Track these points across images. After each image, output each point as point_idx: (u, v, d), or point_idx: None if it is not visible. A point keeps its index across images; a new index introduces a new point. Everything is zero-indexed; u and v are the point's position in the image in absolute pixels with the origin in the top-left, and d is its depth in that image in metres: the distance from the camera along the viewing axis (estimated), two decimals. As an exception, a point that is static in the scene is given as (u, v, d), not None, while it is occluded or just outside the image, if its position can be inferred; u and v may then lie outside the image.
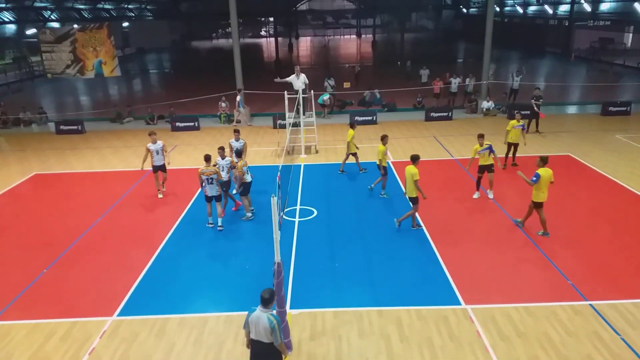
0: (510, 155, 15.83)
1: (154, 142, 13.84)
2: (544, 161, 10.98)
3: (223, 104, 23.58)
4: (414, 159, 11.46)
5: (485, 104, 23.61)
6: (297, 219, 12.55)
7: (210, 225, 12.22)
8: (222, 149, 12.72)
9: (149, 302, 9.24)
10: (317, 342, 7.96)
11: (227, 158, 12.61)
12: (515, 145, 15.63)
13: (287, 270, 9.99)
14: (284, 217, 12.53)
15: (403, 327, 8.27)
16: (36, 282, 10.01)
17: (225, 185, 12.53)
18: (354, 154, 15.72)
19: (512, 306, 8.72)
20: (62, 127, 22.67)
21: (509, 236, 11.29)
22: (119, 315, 8.85)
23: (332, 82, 25.87)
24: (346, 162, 15.99)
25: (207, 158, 11.88)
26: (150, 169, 14.15)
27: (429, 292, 9.25)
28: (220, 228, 12.06)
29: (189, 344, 8.02)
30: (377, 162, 13.85)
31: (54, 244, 11.57)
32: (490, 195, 13.50)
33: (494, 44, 24.13)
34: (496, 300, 8.93)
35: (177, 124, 22.45)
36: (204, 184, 11.78)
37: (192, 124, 22.39)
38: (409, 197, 11.58)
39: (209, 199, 11.99)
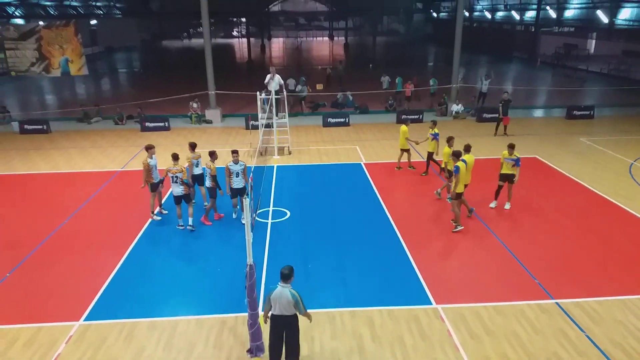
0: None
1: (151, 156, 12.33)
2: (457, 155, 11.51)
3: (194, 104, 23.30)
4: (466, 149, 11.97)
5: (455, 107, 24.01)
6: (269, 221, 12.49)
7: (181, 227, 12.01)
8: (236, 152, 11.94)
9: (118, 305, 9.04)
10: (289, 344, 7.92)
11: (240, 162, 11.94)
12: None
13: (260, 272, 9.92)
14: (257, 218, 12.46)
15: (375, 327, 8.33)
16: (-2, 286, 9.68)
17: (242, 192, 12.01)
18: (407, 151, 15.98)
19: (481, 305, 8.88)
20: (26, 126, 21.97)
21: (478, 237, 11.50)
22: (85, 319, 8.63)
23: (301, 84, 25.82)
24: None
25: (175, 156, 11.73)
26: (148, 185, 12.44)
27: (400, 292, 9.33)
28: (192, 228, 11.91)
29: (159, 348, 7.88)
30: (442, 165, 14.08)
31: (18, 247, 11.20)
32: (507, 207, 12.97)
33: (464, 48, 24.58)
34: (466, 299, 9.08)
35: (147, 124, 22.06)
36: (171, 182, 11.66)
37: (162, 124, 22.03)
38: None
39: (177, 200, 11.80)
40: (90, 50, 52.31)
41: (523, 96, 28.38)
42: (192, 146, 12.81)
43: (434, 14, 74.17)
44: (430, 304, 8.96)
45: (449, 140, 13.44)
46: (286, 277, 6.80)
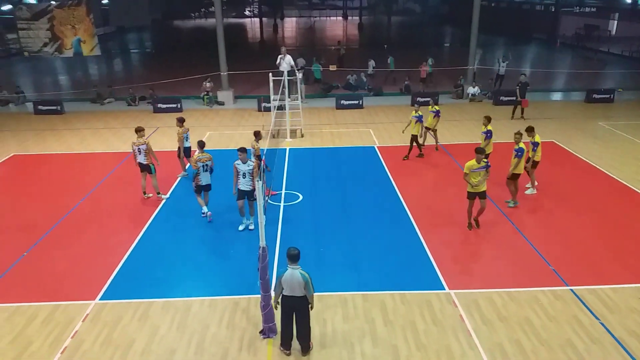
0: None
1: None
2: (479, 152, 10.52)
3: (207, 84, 23.20)
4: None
5: (471, 90, 23.64)
6: (282, 204, 12.49)
7: (209, 217, 11.55)
8: (243, 150, 10.66)
9: (132, 285, 9.14)
10: (302, 326, 7.97)
11: (249, 162, 10.69)
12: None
13: (272, 254, 9.95)
14: (269, 201, 12.46)
15: (387, 311, 8.32)
16: (16, 265, 9.82)
17: (251, 195, 10.89)
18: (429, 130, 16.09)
19: (494, 291, 8.83)
20: (40, 107, 22.11)
21: (493, 222, 11.39)
22: (101, 298, 8.75)
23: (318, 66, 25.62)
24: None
25: (201, 144, 11.37)
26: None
27: (413, 276, 9.31)
28: (209, 216, 11.59)
29: (173, 328, 7.97)
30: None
31: (33, 227, 11.35)
32: (529, 192, 12.92)
33: (481, 29, 24.09)
34: (479, 285, 9.03)
35: (159, 105, 22.07)
36: (198, 172, 11.16)
37: (174, 105, 22.02)
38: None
39: (199, 190, 11.40)
40: (102, 30, 52.11)
41: (541, 79, 27.84)
42: (181, 120, 13.45)
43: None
44: (443, 289, 8.92)
45: (531, 131, 12.48)
46: (295, 258, 6.86)
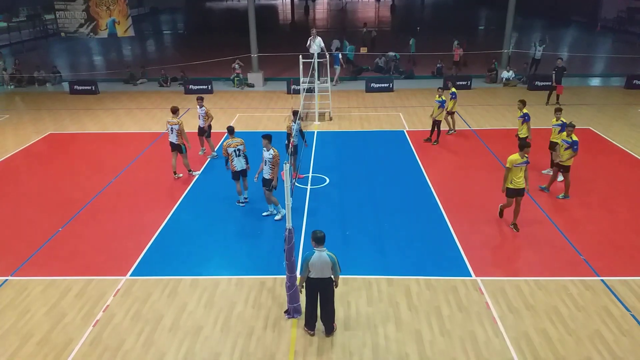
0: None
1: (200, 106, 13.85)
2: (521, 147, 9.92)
3: (236, 66, 23.29)
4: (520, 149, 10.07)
5: (506, 74, 23.03)
6: (309, 187, 12.53)
7: (242, 204, 11.50)
8: (295, 112, 11.41)
9: (162, 262, 9.37)
10: (326, 308, 8.05)
11: (270, 150, 10.35)
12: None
13: (298, 236, 10.02)
14: (296, 184, 12.51)
15: (412, 295, 8.31)
16: (52, 240, 10.19)
17: (267, 184, 10.71)
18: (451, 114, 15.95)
19: (522, 279, 8.70)
20: (76, 87, 22.66)
21: (523, 209, 11.14)
22: (132, 274, 9.00)
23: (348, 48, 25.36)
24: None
25: (231, 130, 11.25)
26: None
27: (439, 262, 9.24)
28: (245, 201, 11.56)
29: (200, 305, 8.16)
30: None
31: (69, 203, 11.71)
32: (545, 171, 12.99)
33: (517, 11, 23.36)
34: (507, 273, 8.91)
35: (190, 86, 22.30)
36: (231, 159, 10.95)
37: (205, 87, 22.21)
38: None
39: (236, 176, 11.18)
40: (136, 11, 52.92)
41: (580, 63, 26.90)
42: (174, 111, 12.84)
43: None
44: (470, 275, 8.84)
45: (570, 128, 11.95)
46: (321, 240, 6.93)
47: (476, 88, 22.36)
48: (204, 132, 14.42)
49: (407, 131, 16.56)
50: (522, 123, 13.05)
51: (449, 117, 16.02)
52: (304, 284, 7.27)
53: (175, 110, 12.74)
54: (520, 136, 12.99)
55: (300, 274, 7.31)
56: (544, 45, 23.70)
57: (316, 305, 7.31)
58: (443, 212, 11.14)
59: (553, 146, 12.29)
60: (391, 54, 25.56)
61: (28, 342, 7.38)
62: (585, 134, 16.01)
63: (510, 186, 10.06)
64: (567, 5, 49.56)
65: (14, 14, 46.01)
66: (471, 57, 26.00)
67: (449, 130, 16.21)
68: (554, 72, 19.28)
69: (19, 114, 19.48)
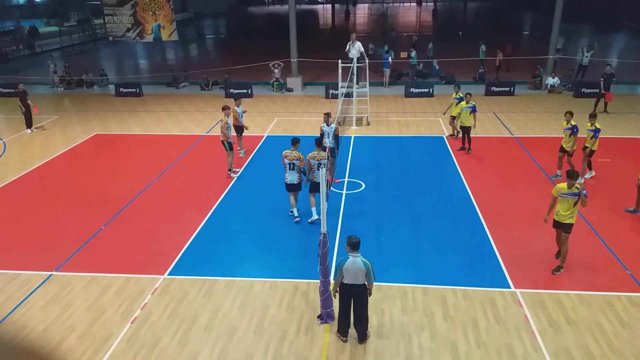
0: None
1: (227, 115, 13.10)
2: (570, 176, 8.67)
3: (276, 70, 23.53)
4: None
5: (550, 80, 22.36)
6: (344, 192, 12.50)
7: (295, 218, 11.08)
8: (328, 114, 12.50)
9: (199, 263, 9.53)
10: (359, 315, 7.98)
11: (332, 124, 11.88)
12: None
13: (333, 241, 10.00)
14: (332, 188, 12.50)
15: (448, 306, 8.15)
16: (94, 237, 10.53)
17: (332, 153, 11.38)
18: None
19: (564, 292, 8.40)
20: (121, 89, 23.43)
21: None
22: (170, 274, 9.19)
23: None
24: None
25: (294, 141, 10.73)
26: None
27: (477, 273, 9.03)
28: (297, 220, 11.01)
29: (235, 307, 8.24)
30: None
31: (112, 202, 12.08)
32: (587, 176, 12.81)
33: (565, 16, 22.66)
34: (547, 285, 8.62)
35: (231, 90, 22.68)
36: (285, 169, 10.74)
37: (245, 91, 22.53)
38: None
39: (290, 188, 10.87)
40: (180, 16, 54.29)
41: (629, 70, 25.82)
42: (224, 108, 13.31)
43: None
44: (509, 287, 8.59)
45: (594, 117, 12.01)
46: (356, 246, 6.89)
47: (519, 94, 21.80)
48: (242, 131, 14.81)
49: (446, 137, 16.30)
50: (570, 135, 12.46)
51: (455, 121, 15.78)
52: (338, 289, 7.23)
53: (224, 109, 13.25)
54: (567, 149, 12.52)
55: (334, 278, 7.27)
56: (592, 51, 22.88)
57: (349, 311, 7.26)
58: (482, 220, 10.88)
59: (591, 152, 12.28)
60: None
61: (70, 335, 7.63)
62: (636, 143, 15.34)
63: (555, 217, 8.96)
64: (616, 10, 47.77)
65: (66, 18, 48.08)
66: (515, 62, 25.38)
67: (452, 134, 16.15)
68: (602, 78, 18.59)
69: (68, 115, 20.28)
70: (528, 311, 7.96)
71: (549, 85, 22.36)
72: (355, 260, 6.86)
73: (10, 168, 14.39)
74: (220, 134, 13.08)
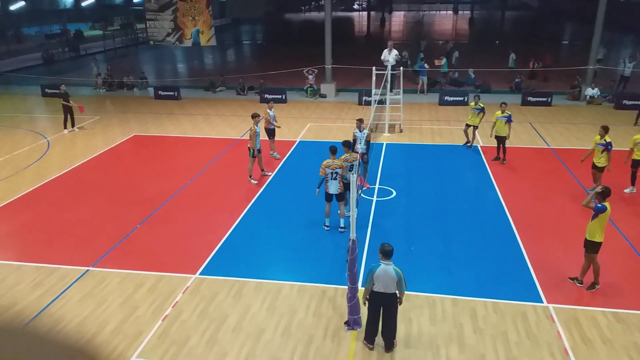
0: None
1: (257, 124, 13.16)
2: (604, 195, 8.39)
3: (310, 76, 23.70)
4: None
5: (590, 91, 21.76)
6: (374, 198, 12.47)
7: (326, 228, 10.89)
8: (360, 120, 12.58)
9: (230, 264, 9.68)
10: (387, 323, 7.95)
11: (365, 130, 12.14)
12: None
13: (362, 248, 10.00)
14: (362, 195, 12.50)
15: (478, 318, 8.03)
16: (130, 235, 10.83)
17: (363, 159, 12.04)
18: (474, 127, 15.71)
19: (599, 310, 8.15)
20: (160, 92, 24.05)
21: (605, 236, 10.46)
22: (201, 273, 9.37)
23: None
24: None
25: (333, 150, 10.58)
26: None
27: (508, 285, 8.86)
28: (343, 229, 10.74)
29: (263, 309, 8.33)
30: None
31: (148, 201, 12.40)
32: (628, 191, 12.44)
33: (606, 25, 22.06)
34: (582, 302, 8.39)
35: (266, 95, 22.94)
36: (327, 179, 10.50)
37: (279, 96, 22.76)
38: None
39: (328, 198, 10.68)
40: (219, 22, 55.32)
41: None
42: (254, 116, 13.38)
43: (575, -13, 67.21)
44: (541, 302, 8.40)
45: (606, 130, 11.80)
46: (389, 254, 6.84)
47: (557, 105, 21.31)
48: (275, 134, 15.09)
49: (481, 146, 16.08)
50: (603, 152, 11.94)
51: (470, 130, 15.64)
52: (367, 297, 7.18)
53: (253, 116, 13.41)
54: (598, 165, 12.07)
55: (364, 285, 7.19)
56: (634, 62, 22.19)
57: (378, 319, 7.22)
58: (515, 232, 10.68)
59: (637, 164, 12.02)
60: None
61: (103, 330, 7.87)
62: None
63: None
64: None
65: (109, 23, 49.72)
66: (553, 72, 24.83)
67: (466, 143, 15.96)
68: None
69: (108, 116, 20.94)
70: (561, 327, 7.77)
71: (588, 97, 21.77)
72: (387, 269, 6.81)
73: (53, 166, 14.96)
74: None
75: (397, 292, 6.98)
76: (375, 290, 6.96)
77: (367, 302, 7.23)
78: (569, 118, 19.43)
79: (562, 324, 7.85)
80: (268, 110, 14.79)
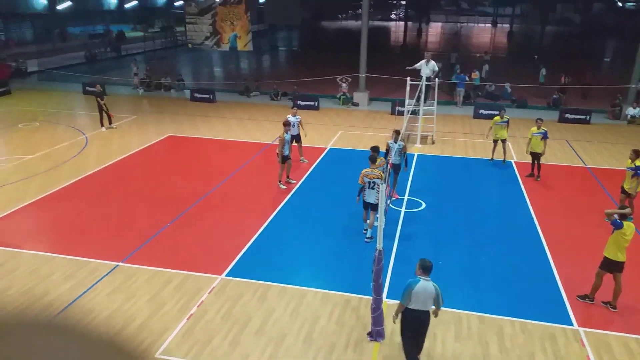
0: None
1: (287, 132, 13.39)
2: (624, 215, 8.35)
3: (343, 85, 23.75)
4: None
5: (631, 111, 21.11)
6: (403, 209, 12.37)
7: (365, 233, 10.88)
8: (397, 132, 12.38)
9: (256, 266, 9.74)
10: (410, 336, 7.84)
11: (400, 142, 12.09)
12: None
13: (388, 259, 9.91)
14: (391, 205, 12.41)
15: (504, 337, 7.84)
16: (160, 233, 11.03)
17: (396, 169, 12.20)
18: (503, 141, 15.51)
19: (633, 337, 7.85)
20: (196, 94, 24.49)
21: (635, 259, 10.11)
22: (227, 274, 9.45)
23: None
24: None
25: (373, 159, 10.53)
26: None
27: (537, 306, 8.63)
28: (369, 240, 10.67)
29: (286, 313, 8.34)
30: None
31: (179, 201, 12.62)
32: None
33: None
34: (615, 327, 8.10)
35: (299, 102, 23.08)
36: (364, 188, 10.45)
37: (312, 103, 22.87)
38: None
39: (366, 206, 10.65)
40: (256, 27, 56.06)
41: None
42: (285, 124, 13.74)
43: (619, 3, 65.50)
44: (571, 324, 8.16)
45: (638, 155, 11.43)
46: (429, 269, 6.61)
47: (596, 123, 20.75)
48: (299, 139, 15.19)
49: (515, 162, 15.77)
50: (632, 177, 11.52)
51: (500, 144, 15.36)
52: (400, 314, 6.81)
53: (285, 124, 13.63)
54: (627, 190, 11.68)
55: (401, 301, 6.73)
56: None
57: (415, 337, 6.87)
58: (547, 251, 10.42)
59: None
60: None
61: (130, 325, 8.02)
62: None
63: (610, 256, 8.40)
64: None
65: (150, 25, 51.06)
66: (593, 90, 24.21)
67: (491, 159, 15.77)
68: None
69: (145, 115, 21.45)
70: (591, 352, 7.51)
71: (629, 116, 21.12)
72: (427, 285, 6.54)
73: (90, 162, 15.40)
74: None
75: (433, 307, 6.71)
76: (410, 307, 6.63)
77: (396, 321, 6.89)
78: (607, 137, 18.89)
79: (593, 349, 7.59)
80: (289, 117, 14.84)
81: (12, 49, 36.86)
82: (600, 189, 13.74)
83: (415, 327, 6.80)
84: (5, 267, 9.60)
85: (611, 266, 8.39)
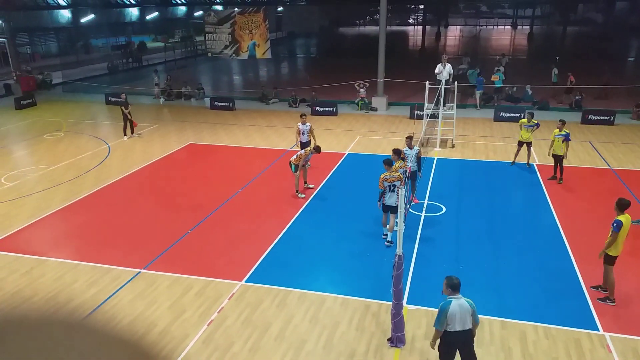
0: None
1: (304, 123, 14.27)
2: (621, 207, 8.65)
3: (361, 90, 23.74)
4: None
5: (657, 110, 20.63)
6: (423, 214, 12.28)
7: (386, 239, 10.87)
8: (410, 138, 12.47)
9: (275, 272, 9.78)
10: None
11: (415, 147, 12.26)
12: None
13: (408, 264, 9.84)
14: (410, 210, 12.33)
15: (527, 343, 7.70)
16: (181, 240, 11.16)
17: (413, 176, 12.20)
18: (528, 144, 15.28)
19: (662, 343, 7.64)
20: (216, 103, 24.77)
21: (668, 263, 9.85)
22: (247, 281, 9.51)
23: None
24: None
25: (389, 162, 10.57)
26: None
27: (561, 310, 8.46)
28: (389, 244, 10.71)
29: (306, 319, 8.35)
30: None
31: (200, 208, 12.75)
32: None
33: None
34: (643, 333, 7.89)
35: (317, 108, 23.18)
36: (384, 191, 10.45)
37: (330, 109, 22.92)
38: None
39: (386, 209, 10.62)
40: (275, 35, 56.55)
41: None
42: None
43: (643, 1, 64.03)
44: (597, 329, 7.97)
45: None
46: (457, 287, 6.26)
47: (620, 124, 20.31)
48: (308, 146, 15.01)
49: (537, 165, 15.53)
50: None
51: (524, 147, 15.10)
52: (439, 340, 6.45)
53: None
54: None
55: (437, 326, 6.33)
56: None
57: None
58: (571, 255, 10.21)
59: None
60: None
61: (152, 331, 8.12)
62: None
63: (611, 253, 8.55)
64: None
65: (171, 35, 51.88)
66: (616, 90, 23.72)
67: (513, 163, 15.50)
68: None
69: (166, 124, 21.77)
70: (618, 358, 7.33)
71: (655, 116, 20.63)
72: (461, 302, 6.19)
73: (113, 170, 15.68)
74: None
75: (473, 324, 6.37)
76: (450, 330, 6.23)
77: (434, 347, 6.57)
78: (632, 138, 18.47)
79: (619, 354, 7.40)
80: (299, 124, 14.79)
81: (37, 62, 37.88)
82: (625, 190, 13.42)
83: (455, 350, 6.44)
84: (32, 274, 9.83)
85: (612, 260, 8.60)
